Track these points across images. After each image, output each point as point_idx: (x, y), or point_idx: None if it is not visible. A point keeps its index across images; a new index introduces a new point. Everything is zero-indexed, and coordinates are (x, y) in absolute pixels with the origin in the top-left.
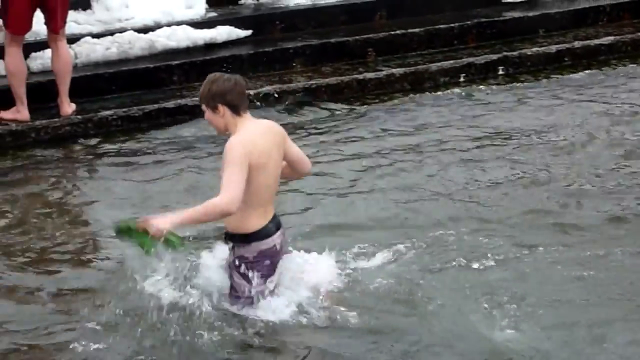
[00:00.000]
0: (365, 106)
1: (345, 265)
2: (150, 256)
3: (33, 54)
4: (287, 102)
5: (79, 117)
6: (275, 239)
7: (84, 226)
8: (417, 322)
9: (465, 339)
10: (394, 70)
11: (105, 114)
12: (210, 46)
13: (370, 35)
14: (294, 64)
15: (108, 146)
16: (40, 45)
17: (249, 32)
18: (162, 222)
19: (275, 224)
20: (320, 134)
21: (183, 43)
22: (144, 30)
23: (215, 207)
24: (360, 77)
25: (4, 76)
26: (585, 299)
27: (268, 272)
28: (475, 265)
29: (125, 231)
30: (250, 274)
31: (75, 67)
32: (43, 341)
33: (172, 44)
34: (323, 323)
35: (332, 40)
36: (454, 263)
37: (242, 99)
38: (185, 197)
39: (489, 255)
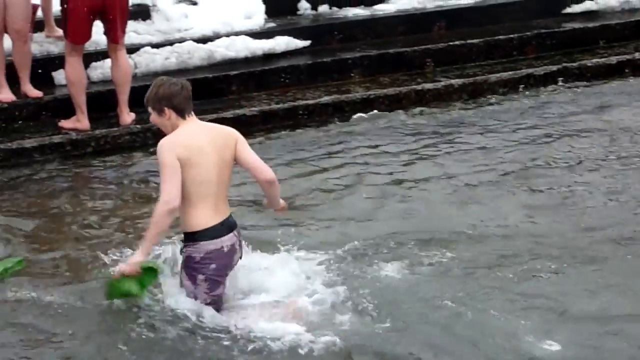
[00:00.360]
0: (423, 116)
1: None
2: (144, 295)
3: (93, 64)
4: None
5: (138, 126)
6: (225, 241)
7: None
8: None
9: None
10: (452, 81)
11: None
12: (268, 56)
13: (429, 46)
14: (352, 75)
15: None
16: (100, 55)
17: (307, 43)
18: (130, 260)
19: (227, 226)
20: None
21: (242, 53)
22: (203, 40)
23: (158, 211)
24: (419, 87)
25: (65, 85)
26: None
27: (213, 276)
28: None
29: (113, 293)
30: (195, 276)
31: (135, 76)
32: None
33: (231, 54)
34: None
35: (391, 50)
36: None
37: (188, 103)
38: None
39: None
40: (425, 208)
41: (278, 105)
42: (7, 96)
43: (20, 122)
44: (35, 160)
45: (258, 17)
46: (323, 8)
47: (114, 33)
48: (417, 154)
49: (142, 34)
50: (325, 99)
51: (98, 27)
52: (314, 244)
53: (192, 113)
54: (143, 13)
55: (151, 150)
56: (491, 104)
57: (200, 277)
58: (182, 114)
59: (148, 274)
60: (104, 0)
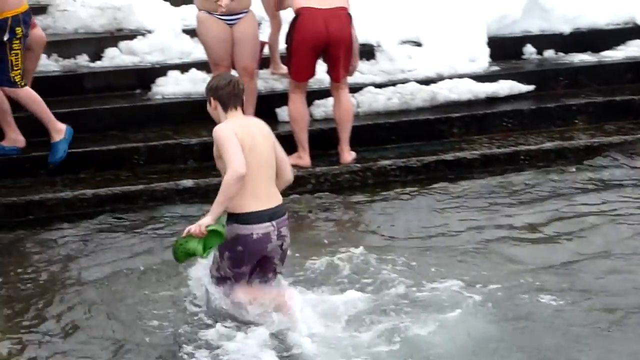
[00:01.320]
0: None
1: None
2: (207, 255)
3: (316, 101)
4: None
5: (358, 165)
6: (256, 229)
7: None
8: None
9: None
10: None
11: (384, 163)
12: (491, 100)
13: None
14: (576, 121)
15: (383, 193)
16: (323, 93)
17: (531, 87)
18: (199, 222)
19: (266, 215)
20: None
21: (464, 96)
22: (426, 81)
23: (227, 179)
24: None
25: (288, 122)
26: None
27: (237, 259)
28: None
29: (179, 252)
30: (223, 251)
31: (357, 115)
32: None
33: (454, 96)
34: None
35: (617, 98)
36: None
37: (232, 99)
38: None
39: None
40: None
41: (499, 150)
42: None
43: None
44: None
45: (482, 61)
46: (548, 53)
47: (336, 72)
48: None
49: (365, 74)
50: (548, 145)
51: (323, 66)
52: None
53: (239, 109)
54: (367, 53)
55: (368, 189)
56: None
57: (227, 253)
58: (224, 106)
59: (213, 236)
60: (328, 39)
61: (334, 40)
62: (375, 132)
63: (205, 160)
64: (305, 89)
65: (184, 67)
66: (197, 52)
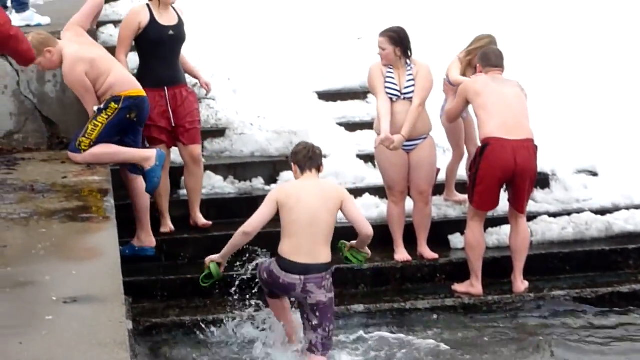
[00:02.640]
0: None
1: None
2: (206, 284)
3: (490, 229)
4: None
5: (531, 294)
6: (285, 276)
7: None
8: None
9: None
10: None
11: (557, 293)
12: None
13: None
14: None
15: (556, 321)
16: (497, 221)
17: None
18: (212, 256)
19: (299, 269)
20: None
21: None
22: (602, 212)
23: (238, 231)
24: None
25: (460, 249)
26: None
27: (267, 285)
28: None
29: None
30: (262, 273)
31: (530, 244)
32: None
33: (630, 227)
34: None
35: None
36: None
37: (306, 162)
38: None
39: None
40: None
41: None
42: (403, 256)
43: (414, 282)
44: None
45: None
46: None
47: (520, 202)
48: None
49: (539, 202)
50: None
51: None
52: None
53: (314, 170)
54: (542, 181)
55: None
56: None
57: (262, 278)
58: (301, 169)
59: (210, 272)
60: (515, 170)
61: (520, 171)
62: (548, 262)
63: (376, 286)
64: (484, 218)
65: (357, 192)
66: (371, 177)
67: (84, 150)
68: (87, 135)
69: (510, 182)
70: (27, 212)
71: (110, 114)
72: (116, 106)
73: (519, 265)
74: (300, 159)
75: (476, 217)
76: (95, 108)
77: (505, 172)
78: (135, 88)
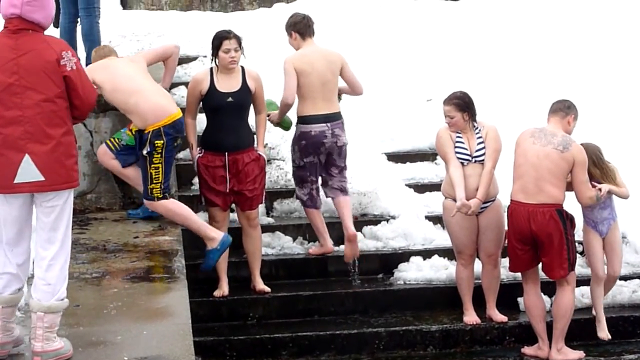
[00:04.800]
0: None
1: None
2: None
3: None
4: None
5: (601, 359)
6: (314, 127)
7: None
8: None
9: None
10: None
11: (629, 357)
12: None
13: None
14: None
15: None
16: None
17: None
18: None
19: (324, 117)
20: None
21: None
22: None
23: (281, 102)
24: None
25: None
26: None
27: (302, 150)
28: None
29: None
30: (294, 146)
31: (578, 309)
32: None
33: None
34: None
35: None
36: None
37: (306, 29)
38: None
39: None
40: None
41: None
42: (472, 318)
43: (483, 345)
44: None
45: None
46: None
47: (545, 267)
48: None
49: None
50: None
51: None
52: None
53: (312, 38)
54: None
55: None
56: None
57: (296, 147)
58: (302, 36)
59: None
60: (531, 233)
61: (536, 235)
62: (619, 325)
63: (445, 348)
64: (538, 280)
65: (426, 254)
66: (440, 238)
67: (158, 198)
68: (154, 181)
69: (536, 244)
70: (99, 271)
71: (159, 151)
72: (161, 142)
73: (555, 332)
74: (301, 27)
75: (528, 280)
76: (145, 152)
77: (523, 236)
78: (169, 114)
